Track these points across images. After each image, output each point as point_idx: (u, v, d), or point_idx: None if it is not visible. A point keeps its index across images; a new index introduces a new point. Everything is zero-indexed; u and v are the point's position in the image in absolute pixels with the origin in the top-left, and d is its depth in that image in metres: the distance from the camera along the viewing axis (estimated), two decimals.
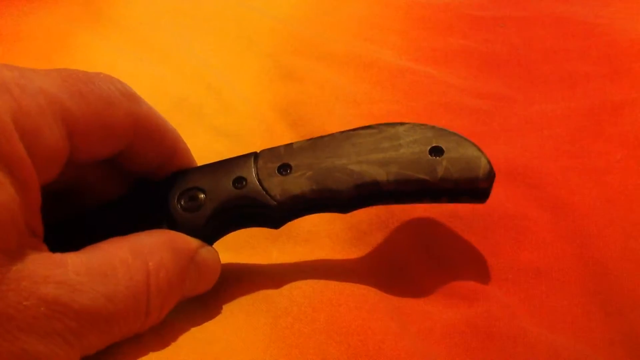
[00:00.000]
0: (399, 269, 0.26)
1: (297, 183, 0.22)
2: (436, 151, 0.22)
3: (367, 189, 0.22)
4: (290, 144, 0.23)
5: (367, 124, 0.23)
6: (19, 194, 0.17)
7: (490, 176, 0.22)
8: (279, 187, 0.22)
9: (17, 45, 0.43)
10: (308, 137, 0.23)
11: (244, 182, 0.22)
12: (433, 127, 0.23)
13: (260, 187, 0.22)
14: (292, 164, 0.22)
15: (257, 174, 0.22)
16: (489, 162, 0.22)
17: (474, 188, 0.22)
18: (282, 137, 0.34)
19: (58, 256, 0.18)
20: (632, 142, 0.32)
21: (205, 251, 0.22)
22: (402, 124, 0.23)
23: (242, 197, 0.22)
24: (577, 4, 0.46)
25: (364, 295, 0.23)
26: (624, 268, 0.25)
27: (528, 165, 0.31)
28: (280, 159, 0.22)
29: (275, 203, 0.22)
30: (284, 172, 0.22)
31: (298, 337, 0.21)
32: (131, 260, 0.19)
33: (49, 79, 0.18)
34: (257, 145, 0.33)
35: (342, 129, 0.23)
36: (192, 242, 0.21)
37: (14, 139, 0.16)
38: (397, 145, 0.22)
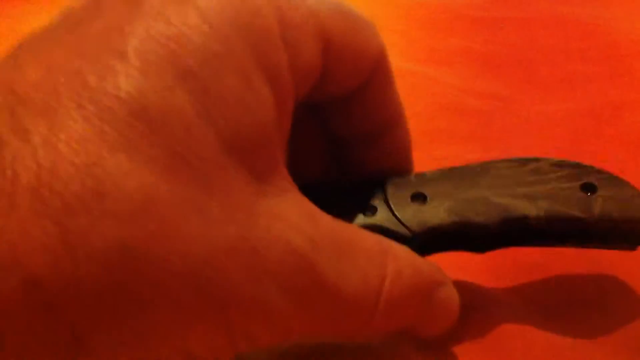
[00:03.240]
0: None
1: (435, 213, 0.19)
2: (589, 188, 0.20)
3: (514, 224, 0.20)
4: (422, 173, 0.21)
5: None
6: (277, 114, 0.15)
7: None
8: (415, 217, 0.19)
9: None
10: None
11: (374, 211, 0.19)
12: (579, 164, 0.21)
13: (392, 216, 0.19)
14: (426, 193, 0.20)
15: (388, 201, 0.20)
16: None
17: (634, 230, 0.20)
18: None
19: (311, 207, 0.16)
20: (632, 142, 0.32)
21: (448, 289, 0.19)
22: (545, 158, 0.21)
23: (373, 226, 0.19)
24: (577, 4, 0.46)
25: None
26: (623, 266, 0.25)
27: None
28: (413, 187, 0.20)
29: (410, 234, 0.19)
30: (418, 202, 0.20)
31: None
32: (373, 253, 0.16)
33: None
34: None
35: None
36: (437, 275, 0.18)
37: (281, 52, 0.15)
38: (545, 179, 0.20)
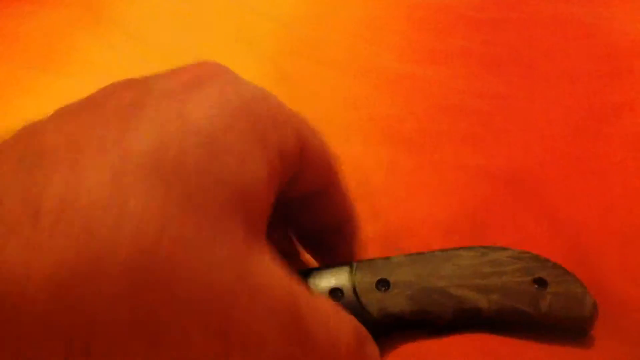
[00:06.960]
0: None
1: (396, 302, 0.22)
2: (540, 283, 0.22)
3: (467, 315, 0.22)
4: (389, 258, 0.23)
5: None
6: (268, 181, 0.17)
7: (595, 315, 0.22)
8: (377, 304, 0.22)
9: (17, 45, 0.44)
10: None
11: (341, 294, 0.22)
12: (537, 257, 0.23)
13: (357, 302, 0.22)
14: (390, 280, 0.22)
15: (355, 287, 0.22)
16: (594, 300, 0.22)
17: (577, 326, 0.22)
18: None
19: (286, 264, 0.18)
20: (632, 142, 0.32)
21: (373, 344, 0.21)
22: (504, 249, 0.23)
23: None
24: (577, 4, 0.46)
25: None
26: (622, 275, 0.25)
27: (528, 169, 0.31)
28: (378, 274, 0.22)
29: (371, 320, 0.21)
30: (382, 289, 0.22)
31: None
32: (329, 310, 0.18)
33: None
34: None
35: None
36: (365, 333, 0.21)
37: (272, 132, 0.18)
38: (500, 271, 0.22)
